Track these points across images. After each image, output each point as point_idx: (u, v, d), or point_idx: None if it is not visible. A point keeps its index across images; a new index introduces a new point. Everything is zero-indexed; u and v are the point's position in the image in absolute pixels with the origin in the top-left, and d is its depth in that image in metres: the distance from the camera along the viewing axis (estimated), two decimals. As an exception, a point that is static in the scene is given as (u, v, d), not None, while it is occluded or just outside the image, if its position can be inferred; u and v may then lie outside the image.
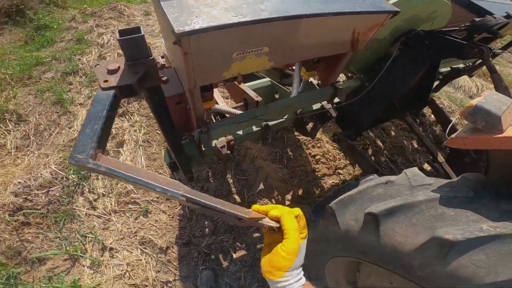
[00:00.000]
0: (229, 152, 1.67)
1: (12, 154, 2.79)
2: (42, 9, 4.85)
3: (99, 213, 2.40)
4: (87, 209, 2.43)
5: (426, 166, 2.87)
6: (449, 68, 2.57)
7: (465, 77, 3.41)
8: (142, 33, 0.81)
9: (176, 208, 2.49)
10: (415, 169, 1.29)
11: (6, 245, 2.17)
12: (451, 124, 1.46)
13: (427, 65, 1.87)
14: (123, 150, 2.86)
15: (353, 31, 1.45)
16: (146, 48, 0.85)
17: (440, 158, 2.11)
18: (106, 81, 0.84)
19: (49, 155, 2.75)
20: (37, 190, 2.44)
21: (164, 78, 0.96)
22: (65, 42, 4.22)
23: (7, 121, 3.03)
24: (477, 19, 1.64)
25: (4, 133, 2.94)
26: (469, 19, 1.79)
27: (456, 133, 1.08)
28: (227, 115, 2.02)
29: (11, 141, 2.87)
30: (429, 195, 1.09)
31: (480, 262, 0.91)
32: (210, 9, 1.04)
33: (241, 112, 1.93)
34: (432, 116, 3.48)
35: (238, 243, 2.33)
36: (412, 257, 1.06)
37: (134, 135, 2.99)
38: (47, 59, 3.87)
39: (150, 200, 2.51)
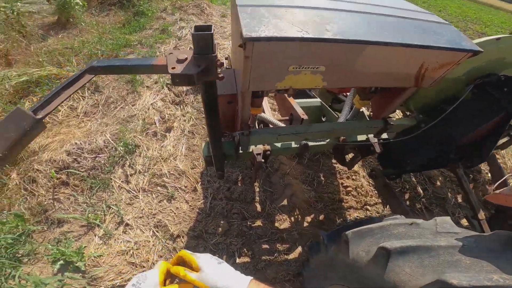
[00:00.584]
0: (263, 160, 1.71)
1: (79, 117, 3.14)
2: (145, -3, 5.43)
3: (130, 188, 2.57)
4: (122, 181, 2.61)
5: (464, 221, 2.50)
6: None
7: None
8: (212, 32, 0.90)
9: (199, 201, 2.55)
10: (448, 218, 1.22)
11: (37, 201, 2.39)
12: (502, 179, 1.25)
13: (499, 116, 1.61)
14: (169, 135, 3.02)
15: (421, 66, 1.35)
16: (212, 45, 0.93)
17: (482, 215, 1.89)
18: (173, 68, 0.95)
19: (108, 124, 3.04)
20: (87, 154, 2.70)
21: (220, 75, 1.04)
22: (152, 30, 4.66)
23: (86, 89, 3.44)
24: None
25: (79, 98, 3.34)
26: None
27: (502, 189, 1.03)
28: (270, 125, 2.01)
29: (83, 106, 3.24)
30: (451, 242, 1.03)
31: (479, 315, 0.81)
32: (278, 20, 1.10)
33: (284, 125, 1.91)
34: (489, 174, 3.00)
35: (245, 249, 2.32)
36: None
37: (183, 124, 3.15)
38: (134, 43, 4.32)
39: (178, 187, 2.60)
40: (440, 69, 1.35)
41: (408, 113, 2.29)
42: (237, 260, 2.24)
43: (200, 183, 2.68)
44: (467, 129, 1.68)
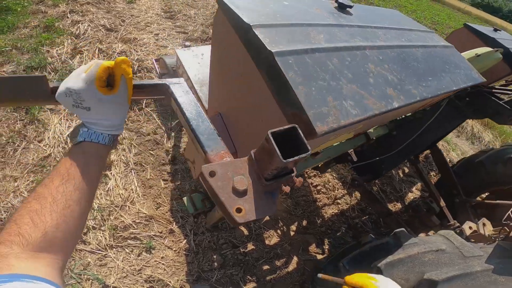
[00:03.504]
0: None
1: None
2: (5, -12, 3.75)
3: (92, 248, 1.98)
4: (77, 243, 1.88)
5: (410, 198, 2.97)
6: None
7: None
8: (309, 151, 0.59)
9: (181, 242, 2.16)
10: (456, 236, 1.38)
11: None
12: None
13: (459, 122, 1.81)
14: (111, 174, 2.33)
15: (431, 100, 1.42)
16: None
17: (442, 203, 2.15)
18: (239, 210, 0.60)
19: (18, 178, 2.15)
20: (9, 225, 1.80)
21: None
22: (30, 29, 3.34)
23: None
24: None
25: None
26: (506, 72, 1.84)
27: None
28: None
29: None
30: (483, 266, 1.20)
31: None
32: (343, 93, 0.89)
33: None
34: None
35: (248, 276, 2.16)
36: None
37: (123, 156, 2.50)
38: (7, 48, 2.98)
39: (152, 235, 2.11)
40: (441, 97, 1.46)
41: None
42: (244, 288, 2.11)
43: (174, 223, 2.21)
44: (437, 135, 1.83)
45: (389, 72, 1.07)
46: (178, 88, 0.86)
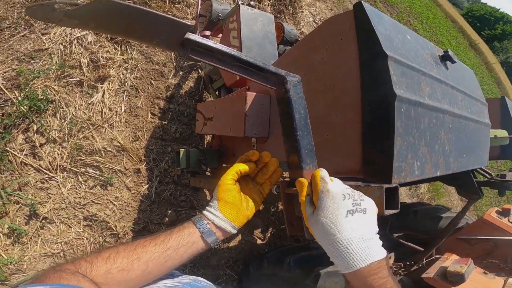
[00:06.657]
0: None
1: None
2: None
3: (40, 165, 1.40)
4: (26, 155, 1.39)
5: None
6: None
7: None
8: (399, 209, 0.54)
9: (143, 187, 1.65)
10: None
11: None
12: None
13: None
14: (101, 87, 1.70)
15: None
16: None
17: None
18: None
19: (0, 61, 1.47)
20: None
21: None
22: None
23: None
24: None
25: None
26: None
27: (433, 274, 1.12)
28: None
29: None
30: None
31: None
32: (418, 154, 0.73)
33: None
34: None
35: None
36: None
37: (123, 75, 1.82)
38: None
39: (117, 169, 1.57)
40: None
41: None
42: (183, 251, 1.61)
43: (144, 164, 1.68)
44: None
45: (448, 142, 0.90)
46: (295, 88, 0.56)
